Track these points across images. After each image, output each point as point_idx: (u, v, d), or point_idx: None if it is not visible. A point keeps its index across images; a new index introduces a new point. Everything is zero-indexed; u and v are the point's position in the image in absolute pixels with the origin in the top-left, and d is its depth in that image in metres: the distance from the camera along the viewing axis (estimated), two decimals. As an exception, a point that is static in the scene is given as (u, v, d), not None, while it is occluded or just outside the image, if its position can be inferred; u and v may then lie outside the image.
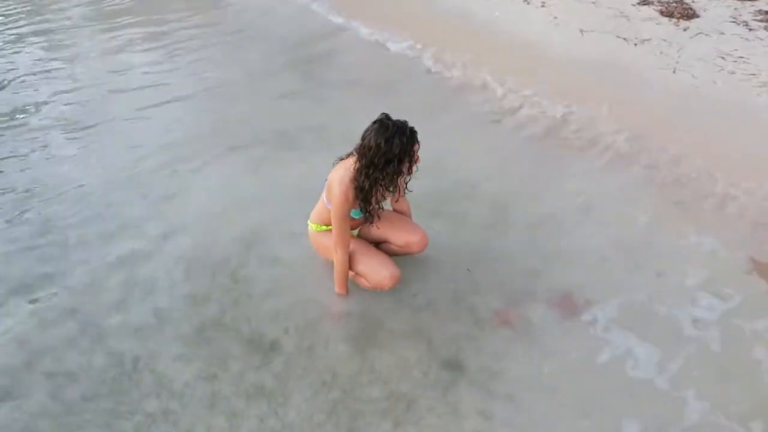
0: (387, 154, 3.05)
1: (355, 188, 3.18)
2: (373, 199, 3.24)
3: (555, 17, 6.34)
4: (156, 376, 3.15)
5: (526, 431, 2.90)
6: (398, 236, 3.56)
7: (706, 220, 4.01)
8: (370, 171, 3.10)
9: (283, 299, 3.55)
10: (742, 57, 5.45)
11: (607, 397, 3.03)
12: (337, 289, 3.50)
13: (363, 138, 3.11)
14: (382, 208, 3.47)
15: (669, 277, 3.62)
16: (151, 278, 3.71)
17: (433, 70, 5.98)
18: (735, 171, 4.31)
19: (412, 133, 3.11)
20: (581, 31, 6.01)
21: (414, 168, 3.21)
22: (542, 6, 6.61)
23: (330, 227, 3.43)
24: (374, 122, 3.11)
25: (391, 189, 3.26)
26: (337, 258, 3.38)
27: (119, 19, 7.56)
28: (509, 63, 5.83)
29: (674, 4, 6.47)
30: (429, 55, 6.19)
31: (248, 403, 3.02)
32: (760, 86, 5.03)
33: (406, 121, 3.12)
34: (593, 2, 6.61)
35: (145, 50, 6.71)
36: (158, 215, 4.20)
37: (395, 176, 3.16)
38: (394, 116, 3.12)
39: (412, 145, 3.11)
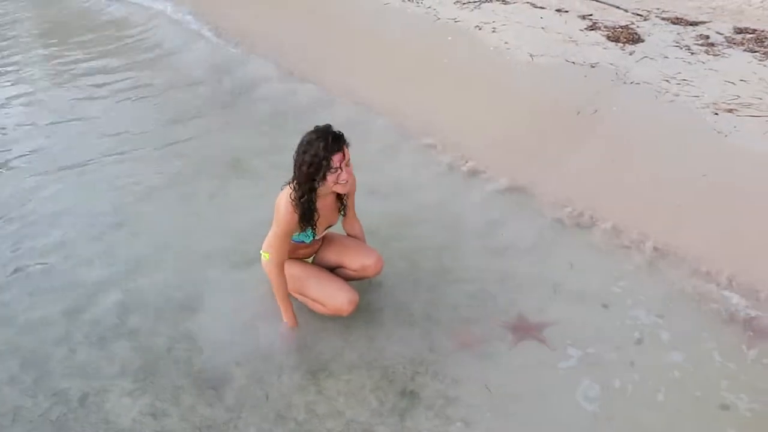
0: (306, 153, 2.99)
1: (295, 206, 3.13)
2: (314, 212, 3.18)
3: (506, 42, 6.46)
4: (103, 414, 3.04)
5: (484, 456, 2.88)
6: (353, 260, 3.52)
7: (659, 250, 4.05)
8: (302, 179, 3.05)
9: (234, 330, 3.48)
10: (685, 80, 5.61)
11: (563, 421, 3.01)
12: (284, 318, 3.39)
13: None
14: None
15: (614, 308, 3.62)
16: (98, 312, 3.60)
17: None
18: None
19: (335, 138, 3.00)
20: (531, 55, 6.13)
21: (342, 178, 3.06)
22: (493, 32, 6.72)
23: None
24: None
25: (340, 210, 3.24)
26: (275, 281, 3.30)
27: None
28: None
29: (620, 30, 6.65)
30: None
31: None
32: (704, 107, 5.17)
33: (336, 131, 3.02)
34: (543, 28, 6.75)
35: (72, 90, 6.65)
36: (107, 249, 4.12)
37: (324, 174, 3.04)
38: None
39: (334, 151, 2.99)
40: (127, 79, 6.89)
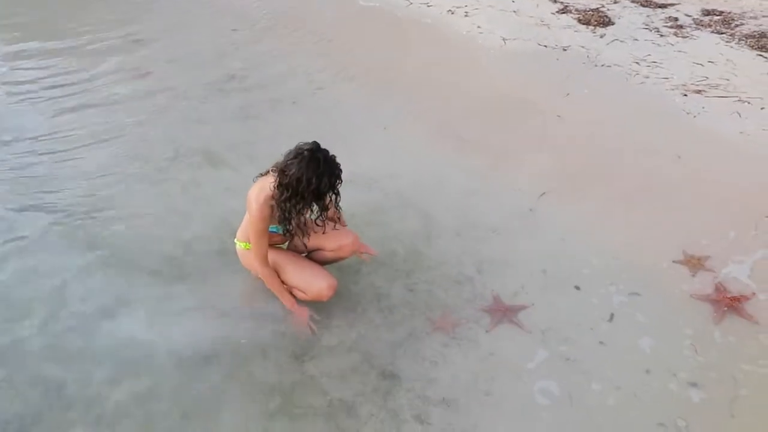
0: (315, 191, 3.05)
1: (272, 207, 3.16)
2: (294, 222, 3.22)
3: (478, 27, 6.49)
4: (85, 398, 3.07)
5: (464, 433, 2.97)
6: (330, 241, 3.54)
7: (637, 229, 4.13)
8: (295, 202, 3.09)
9: (214, 316, 3.51)
10: (655, 62, 5.72)
11: (536, 399, 3.11)
12: (286, 304, 3.43)
13: (288, 164, 3.04)
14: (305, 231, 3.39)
15: (587, 290, 3.70)
16: (76, 298, 3.61)
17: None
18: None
19: (340, 171, 3.10)
20: (504, 39, 6.18)
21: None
22: (466, 16, 6.76)
23: (259, 245, 3.43)
24: (304, 150, 3.03)
25: (317, 213, 3.30)
26: (263, 274, 3.36)
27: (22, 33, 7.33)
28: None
29: (591, 13, 6.74)
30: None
31: (184, 419, 2.99)
32: (673, 89, 5.28)
33: (333, 156, 3.10)
34: (515, 11, 6.80)
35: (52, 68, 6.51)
36: (81, 235, 4.09)
37: (321, 209, 3.22)
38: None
39: (338, 183, 3.12)
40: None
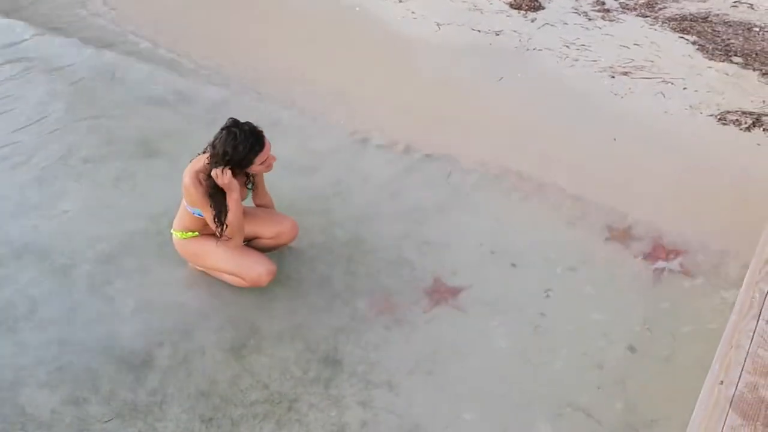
0: (240, 160, 3.11)
1: (200, 181, 3.18)
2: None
3: (413, 12, 6.51)
4: (18, 407, 2.97)
5: (407, 415, 3.00)
6: (268, 229, 3.54)
7: (564, 209, 4.23)
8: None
9: (154, 312, 3.44)
10: (584, 45, 5.86)
11: (480, 377, 3.19)
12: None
13: (214, 146, 3.13)
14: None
15: (523, 268, 3.79)
16: (6, 302, 3.47)
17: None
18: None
19: (260, 137, 3.15)
20: (438, 24, 6.22)
21: (265, 165, 3.26)
22: (400, 2, 6.77)
23: (195, 233, 3.41)
24: (222, 129, 3.13)
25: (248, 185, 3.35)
26: (234, 232, 3.34)
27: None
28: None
29: (522, -3, 6.85)
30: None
31: (123, 422, 2.92)
32: (601, 71, 5.44)
33: (252, 126, 3.15)
34: (448, -4, 6.85)
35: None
36: (9, 234, 3.92)
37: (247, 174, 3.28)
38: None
39: (261, 148, 3.15)
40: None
